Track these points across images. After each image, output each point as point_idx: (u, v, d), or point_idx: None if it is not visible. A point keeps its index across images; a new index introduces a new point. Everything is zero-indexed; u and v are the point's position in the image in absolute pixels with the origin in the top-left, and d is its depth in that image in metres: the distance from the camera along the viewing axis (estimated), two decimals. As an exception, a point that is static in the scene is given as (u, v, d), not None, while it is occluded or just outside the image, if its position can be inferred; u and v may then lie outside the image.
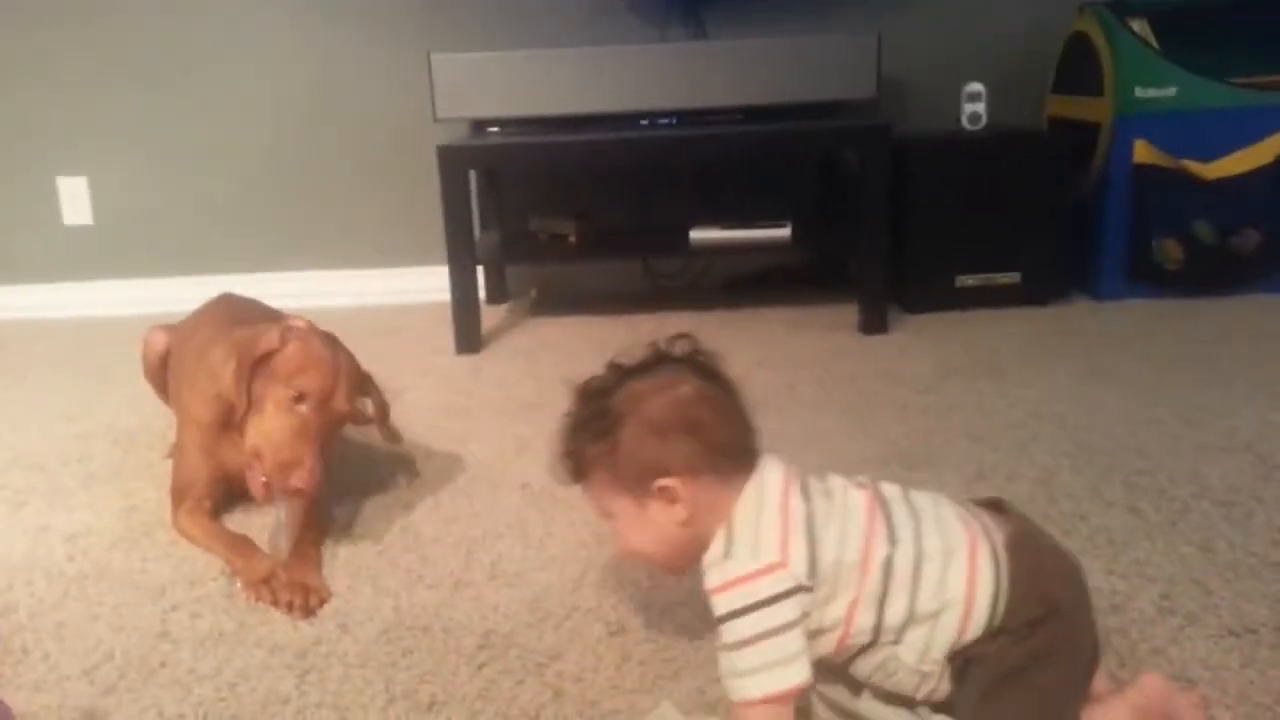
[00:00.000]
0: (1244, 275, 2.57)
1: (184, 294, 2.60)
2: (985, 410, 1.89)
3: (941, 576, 0.90)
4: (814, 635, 0.92)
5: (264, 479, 1.38)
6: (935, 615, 0.90)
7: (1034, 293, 2.60)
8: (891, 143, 2.41)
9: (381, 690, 1.11)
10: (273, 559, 1.36)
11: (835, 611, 0.91)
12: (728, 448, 0.97)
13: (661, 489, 0.96)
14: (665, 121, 2.58)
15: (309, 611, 1.26)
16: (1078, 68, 2.70)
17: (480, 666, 1.15)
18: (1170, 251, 2.58)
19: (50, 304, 3.01)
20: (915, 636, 0.90)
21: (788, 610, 0.88)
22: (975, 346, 2.32)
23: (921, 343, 2.37)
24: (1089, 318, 2.53)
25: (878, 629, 0.91)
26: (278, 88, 2.94)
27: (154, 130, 2.95)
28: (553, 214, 2.81)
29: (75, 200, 3.00)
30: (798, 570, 0.89)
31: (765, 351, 2.34)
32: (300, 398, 1.40)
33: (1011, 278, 2.60)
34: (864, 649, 0.93)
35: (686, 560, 0.99)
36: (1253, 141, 2.50)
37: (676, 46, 2.67)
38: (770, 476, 0.97)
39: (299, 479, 1.35)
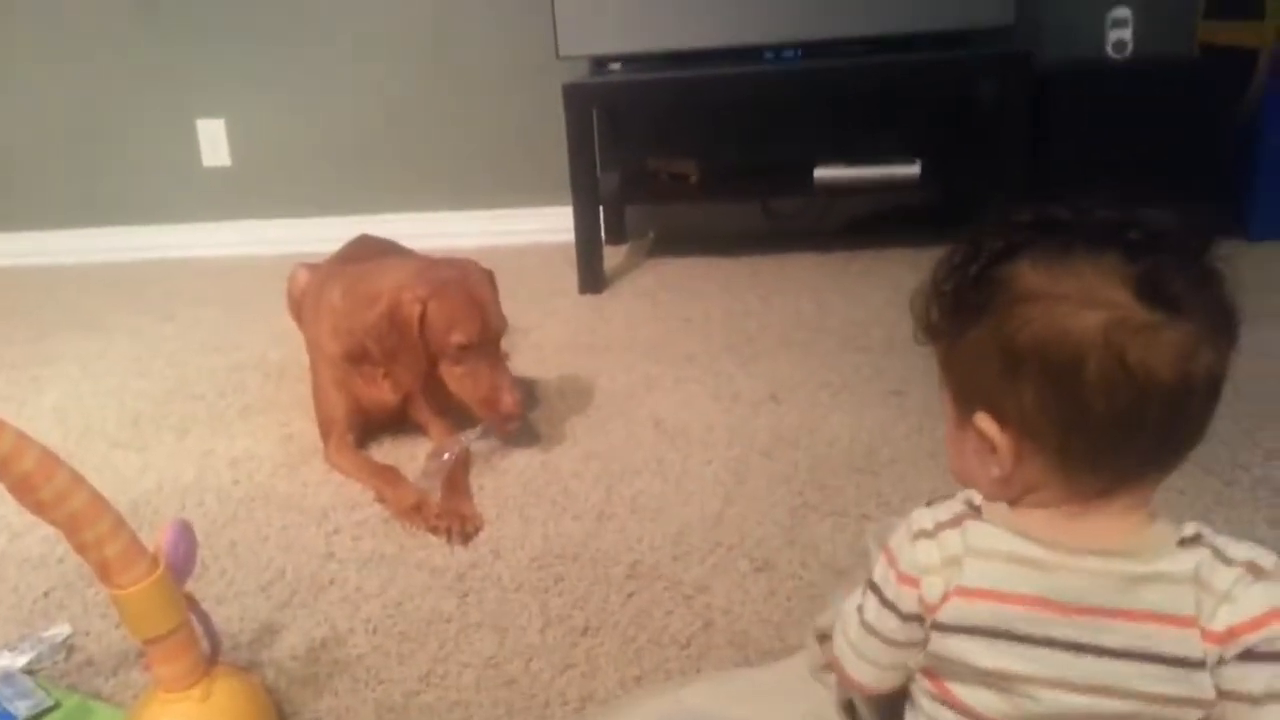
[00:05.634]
0: None
1: (317, 234, 2.71)
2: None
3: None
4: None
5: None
6: None
7: (1180, 232, 2.47)
8: (1031, 73, 2.30)
9: (537, 614, 1.15)
10: (420, 490, 1.41)
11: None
12: (1094, 430, 0.62)
13: (979, 429, 0.67)
14: (789, 54, 2.51)
15: (467, 537, 1.31)
16: (1235, -11, 2.52)
17: (630, 595, 1.18)
18: (1334, 188, 2.41)
19: (190, 243, 3.14)
20: None
21: (874, 611, 0.70)
22: (1117, 288, 2.21)
23: (1058, 284, 2.28)
24: (1240, 258, 2.37)
25: None
26: (403, 31, 2.97)
27: (287, 75, 3.03)
28: (672, 153, 2.79)
29: (214, 142, 3.12)
30: (906, 603, 0.68)
31: (890, 294, 2.27)
32: (465, 346, 1.46)
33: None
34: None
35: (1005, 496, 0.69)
36: None
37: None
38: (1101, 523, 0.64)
39: (503, 408, 1.46)
